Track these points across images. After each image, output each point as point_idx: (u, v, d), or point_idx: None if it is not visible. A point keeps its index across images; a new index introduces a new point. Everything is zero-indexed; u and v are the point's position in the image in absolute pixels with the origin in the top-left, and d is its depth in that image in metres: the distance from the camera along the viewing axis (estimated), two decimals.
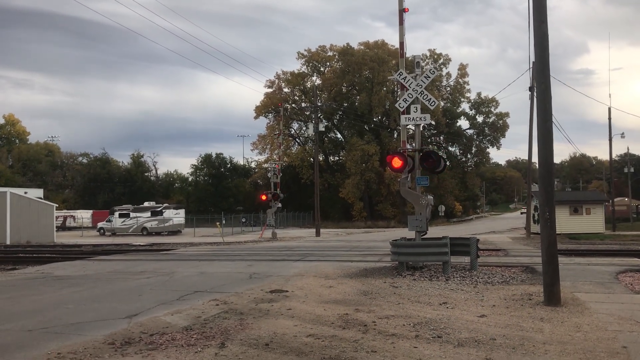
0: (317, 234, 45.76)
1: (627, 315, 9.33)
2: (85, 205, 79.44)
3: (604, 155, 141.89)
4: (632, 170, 70.42)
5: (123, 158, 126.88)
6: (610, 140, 51.60)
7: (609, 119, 50.95)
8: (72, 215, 70.18)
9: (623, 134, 58.08)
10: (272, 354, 7.17)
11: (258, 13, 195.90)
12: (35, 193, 50.48)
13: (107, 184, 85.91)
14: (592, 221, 38.81)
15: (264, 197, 41.78)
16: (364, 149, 68.52)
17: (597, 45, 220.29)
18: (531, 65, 32.01)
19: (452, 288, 12.88)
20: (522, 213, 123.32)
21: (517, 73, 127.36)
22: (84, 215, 69.37)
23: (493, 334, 8.14)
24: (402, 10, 16.81)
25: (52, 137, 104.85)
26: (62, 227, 64.32)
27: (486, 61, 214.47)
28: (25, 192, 47.62)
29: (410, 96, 16.57)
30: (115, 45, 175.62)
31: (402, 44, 17.08)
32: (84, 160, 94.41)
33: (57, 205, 50.11)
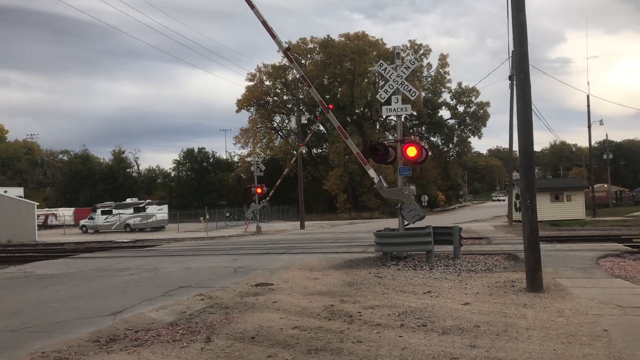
0: (302, 226, 45.80)
1: (607, 299, 9.48)
2: (66, 203, 78.61)
3: (583, 143, 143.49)
4: (611, 156, 71.39)
5: (104, 155, 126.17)
6: (589, 127, 52.20)
7: (588, 106, 51.61)
8: (53, 214, 69.41)
9: (602, 120, 58.44)
10: (258, 347, 7.19)
11: (237, 6, 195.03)
12: (16, 192, 49.80)
13: (89, 181, 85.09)
14: (573, 208, 39.26)
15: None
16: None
17: (573, 34, 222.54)
18: (510, 55, 32.27)
19: (436, 277, 12.98)
20: (495, 200, 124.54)
21: (497, 62, 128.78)
22: (66, 213, 68.66)
23: (477, 321, 8.23)
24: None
25: (31, 134, 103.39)
26: (44, 226, 63.59)
27: (465, 51, 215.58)
28: (5, 191, 46.99)
29: (391, 87, 16.61)
30: (93, 41, 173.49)
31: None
32: (65, 158, 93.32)
33: (38, 204, 49.50)
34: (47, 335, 8.20)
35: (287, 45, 17.88)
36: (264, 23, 17.27)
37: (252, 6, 17.13)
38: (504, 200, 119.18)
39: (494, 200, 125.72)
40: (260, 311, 9.41)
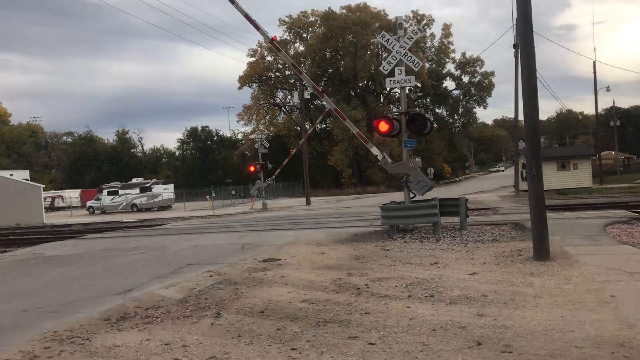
0: (308, 202, 45.89)
1: (615, 265, 9.48)
2: (72, 185, 79.04)
3: (590, 110, 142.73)
4: (618, 123, 70.78)
5: (108, 135, 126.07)
6: (595, 94, 51.79)
7: (594, 73, 51.50)
8: (60, 196, 69.82)
9: (608, 87, 57.77)
10: (267, 320, 7.24)
11: None
12: (21, 175, 50.03)
13: (94, 162, 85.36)
14: (580, 176, 39.12)
15: (252, 168, 41.72)
16: (351, 115, 68.04)
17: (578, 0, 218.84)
18: (514, 23, 31.84)
19: (443, 248, 13.01)
20: (494, 171, 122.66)
21: (501, 31, 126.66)
22: (72, 195, 69.07)
23: (484, 291, 8.26)
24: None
25: (34, 117, 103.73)
26: (51, 208, 64.03)
27: (469, 21, 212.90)
28: (11, 175, 47.22)
29: (394, 58, 16.46)
30: (94, 21, 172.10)
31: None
32: (69, 140, 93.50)
33: (44, 186, 49.74)
34: (59, 315, 8.29)
35: (271, 36, 17.86)
36: (247, 16, 17.22)
37: (232, 1, 17.01)
38: (503, 170, 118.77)
39: (491, 172, 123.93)
40: (268, 286, 9.47)
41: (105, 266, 13.56)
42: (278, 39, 76.29)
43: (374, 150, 17.05)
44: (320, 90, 19.47)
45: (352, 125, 18.15)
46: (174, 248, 16.33)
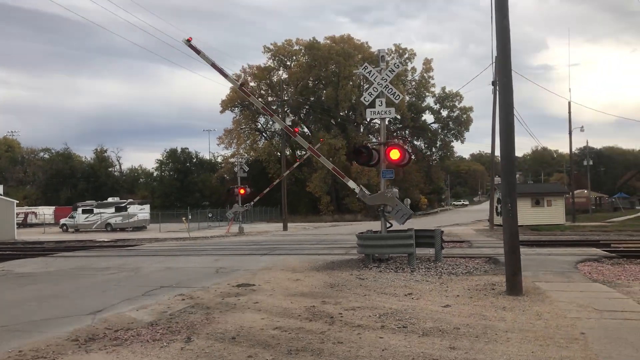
0: (285, 228, 45.74)
1: (585, 302, 9.61)
2: (47, 202, 77.68)
3: (564, 149, 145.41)
4: (591, 163, 72.21)
5: (86, 153, 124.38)
6: (570, 133, 52.81)
7: (569, 112, 52.19)
8: (33, 212, 68.56)
9: (582, 127, 59.16)
10: (238, 347, 7.18)
11: (222, 7, 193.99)
12: None
13: (70, 180, 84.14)
14: (553, 213, 39.65)
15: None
16: (331, 143, 68.63)
17: (555, 42, 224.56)
18: (493, 61, 32.56)
19: (417, 279, 13.06)
20: (458, 205, 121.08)
21: (480, 68, 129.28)
22: (46, 212, 67.83)
23: (457, 324, 8.30)
24: None
25: (11, 132, 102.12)
26: (24, 224, 62.79)
27: (449, 57, 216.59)
28: None
29: (375, 90, 16.70)
30: (76, 39, 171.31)
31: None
32: (46, 156, 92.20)
33: (18, 202, 48.89)
34: (25, 334, 8.11)
35: (241, 81, 18.34)
36: (213, 65, 17.66)
37: (197, 51, 17.44)
38: (467, 204, 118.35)
39: (456, 206, 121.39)
40: (241, 311, 9.39)
41: (75, 285, 13.33)
42: (262, 65, 77.00)
43: (351, 184, 17.32)
44: (293, 131, 19.92)
45: (327, 162, 18.52)
46: (147, 269, 16.13)
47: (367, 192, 16.79)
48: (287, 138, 53.86)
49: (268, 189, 44.70)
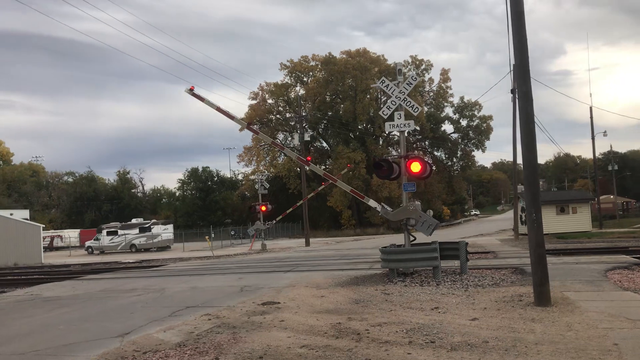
0: (307, 243, 45.73)
1: (617, 312, 9.43)
2: (72, 225, 78.75)
3: (587, 154, 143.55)
4: (615, 167, 71.16)
5: (109, 175, 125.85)
6: (593, 139, 52.17)
7: (591, 117, 51.56)
8: (59, 235, 69.52)
9: (605, 132, 58.20)
10: None
11: (237, 27, 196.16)
12: (21, 214, 50.02)
13: (94, 202, 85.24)
14: (579, 220, 39.10)
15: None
16: (350, 157, 68.64)
17: (573, 47, 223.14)
18: (511, 68, 32.38)
19: (443, 292, 12.94)
20: (470, 216, 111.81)
21: (497, 76, 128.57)
22: (72, 235, 68.77)
23: (485, 337, 8.19)
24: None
25: (36, 157, 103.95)
26: (50, 248, 63.65)
27: (466, 66, 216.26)
28: (11, 214, 47.16)
29: (394, 103, 16.69)
30: (97, 63, 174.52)
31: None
32: (70, 179, 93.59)
33: (44, 226, 49.64)
34: (56, 358, 8.21)
35: (247, 122, 18.83)
36: (219, 109, 18.22)
37: (201, 99, 17.96)
38: (478, 213, 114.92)
39: (467, 217, 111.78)
40: (267, 330, 9.39)
41: (103, 308, 13.45)
42: (280, 82, 77.57)
43: (372, 203, 17.36)
44: (306, 160, 20.37)
45: (345, 185, 18.65)
46: (172, 290, 16.22)
47: (388, 208, 16.71)
48: (306, 154, 54.00)
49: (291, 209, 45.34)
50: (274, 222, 44.99)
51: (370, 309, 11.11)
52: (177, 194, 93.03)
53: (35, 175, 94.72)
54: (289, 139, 78.58)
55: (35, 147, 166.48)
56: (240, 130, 17.96)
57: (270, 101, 79.61)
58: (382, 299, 12.34)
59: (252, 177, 68.76)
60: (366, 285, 14.68)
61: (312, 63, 79.28)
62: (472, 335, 8.33)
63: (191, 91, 17.50)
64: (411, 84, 17.14)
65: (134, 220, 56.85)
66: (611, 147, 74.88)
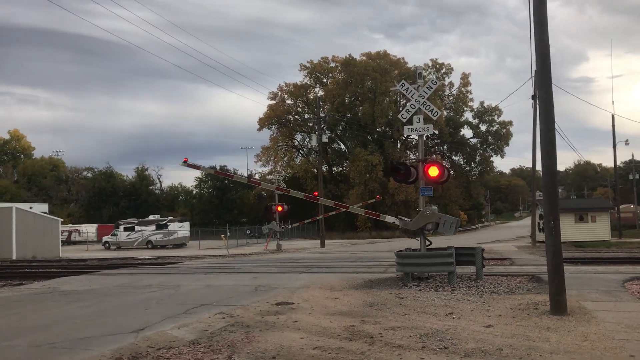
0: (322, 245, 45.74)
1: (634, 323, 9.30)
2: (90, 220, 79.65)
3: (608, 162, 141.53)
4: (637, 176, 70.13)
5: (127, 172, 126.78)
6: (614, 147, 51.43)
7: (613, 125, 50.85)
8: (77, 230, 70.35)
9: (627, 140, 57.43)
10: None
11: (257, 27, 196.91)
12: (41, 208, 50.62)
13: (112, 198, 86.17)
14: (598, 229, 38.57)
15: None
16: (368, 159, 68.55)
17: (595, 54, 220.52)
18: (533, 74, 32.07)
19: (458, 298, 12.86)
20: (485, 224, 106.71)
21: (517, 81, 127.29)
22: (89, 230, 69.56)
23: (500, 344, 8.12)
24: None
25: (56, 152, 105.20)
26: (68, 242, 64.45)
27: (486, 70, 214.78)
28: (31, 207, 47.78)
29: (413, 107, 16.63)
30: (118, 61, 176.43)
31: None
32: (89, 175, 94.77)
33: (62, 220, 50.24)
34: (71, 351, 8.29)
35: (249, 174, 19.70)
36: (217, 172, 19.87)
37: (197, 167, 19.88)
38: (492, 224, 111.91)
39: (483, 223, 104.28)
40: (281, 330, 9.41)
41: (118, 303, 13.57)
42: (299, 83, 77.77)
43: (389, 219, 17.44)
44: (313, 195, 21.24)
45: (358, 210, 18.87)
46: (187, 287, 16.32)
47: (406, 219, 16.57)
48: (324, 155, 54.03)
49: (309, 220, 46.26)
50: (290, 226, 45.25)
51: (384, 313, 11.08)
52: (194, 192, 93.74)
53: (55, 169, 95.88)
54: (307, 139, 78.79)
55: (57, 141, 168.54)
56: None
57: (289, 102, 79.80)
58: (396, 303, 12.30)
59: (269, 177, 68.94)
60: (380, 289, 14.64)
61: (332, 64, 79.32)
62: (486, 342, 8.27)
63: (185, 162, 18.11)
64: (431, 87, 17.06)
65: (151, 217, 57.35)
66: (633, 155, 73.65)
